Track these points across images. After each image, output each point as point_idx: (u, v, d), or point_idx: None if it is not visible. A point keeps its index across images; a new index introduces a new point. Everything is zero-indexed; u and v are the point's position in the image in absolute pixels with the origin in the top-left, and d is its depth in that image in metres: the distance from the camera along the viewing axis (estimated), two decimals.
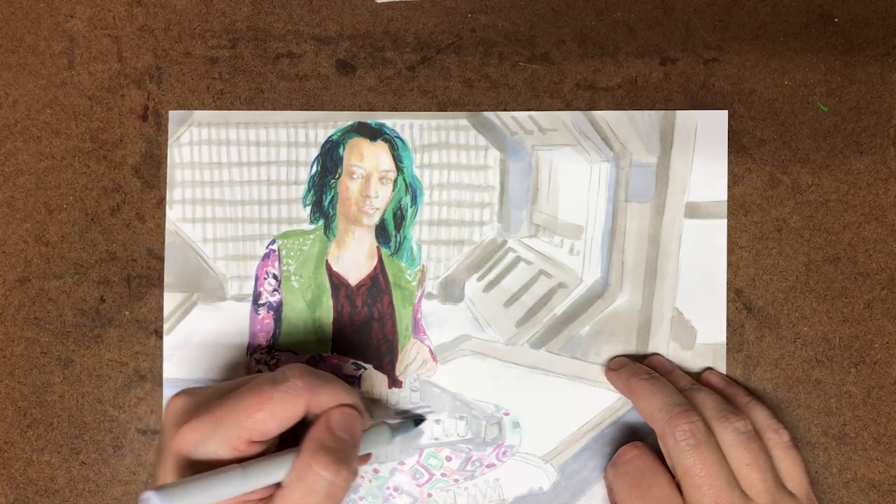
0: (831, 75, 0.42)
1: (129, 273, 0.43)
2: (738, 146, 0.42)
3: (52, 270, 0.43)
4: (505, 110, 0.43)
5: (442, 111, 0.43)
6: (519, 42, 0.43)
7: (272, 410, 0.32)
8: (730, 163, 0.42)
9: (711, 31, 0.42)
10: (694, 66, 0.42)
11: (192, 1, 0.43)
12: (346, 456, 0.33)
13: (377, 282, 0.42)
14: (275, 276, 0.43)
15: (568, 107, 0.42)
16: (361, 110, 0.43)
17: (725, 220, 0.42)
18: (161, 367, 0.42)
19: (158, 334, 0.42)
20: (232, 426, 0.32)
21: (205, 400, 0.34)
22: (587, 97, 0.42)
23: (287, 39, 0.43)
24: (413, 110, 0.43)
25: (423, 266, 0.42)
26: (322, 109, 0.43)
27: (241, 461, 0.32)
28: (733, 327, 0.42)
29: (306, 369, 0.34)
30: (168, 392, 0.42)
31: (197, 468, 0.32)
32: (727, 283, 0.42)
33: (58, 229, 0.43)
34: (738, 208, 0.42)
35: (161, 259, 0.43)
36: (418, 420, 0.41)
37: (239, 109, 0.43)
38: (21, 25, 0.43)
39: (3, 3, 0.44)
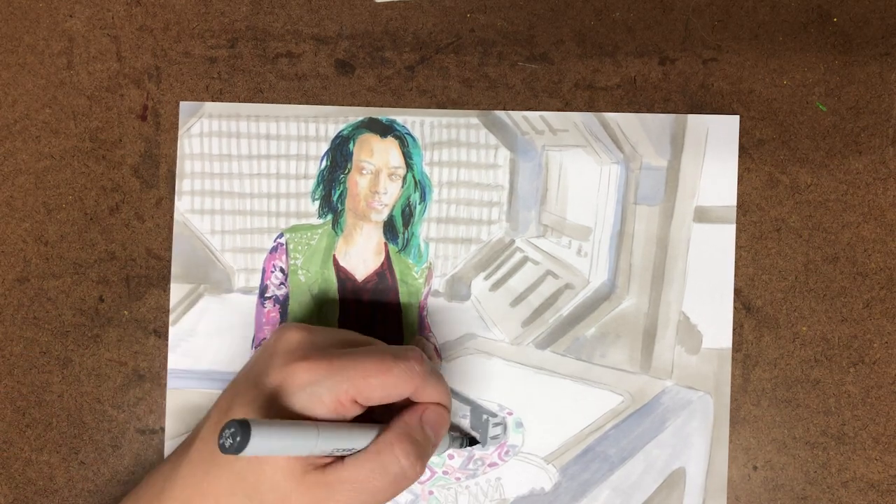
0: (830, 75, 0.42)
1: (128, 273, 0.43)
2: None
3: (51, 270, 0.43)
4: (504, 110, 0.43)
5: (441, 110, 0.43)
6: (518, 42, 0.43)
7: (386, 382, 0.32)
8: None
9: (710, 30, 0.43)
10: (693, 65, 0.42)
11: (191, 1, 0.43)
12: (426, 453, 0.33)
13: (384, 278, 0.42)
14: (282, 270, 0.43)
15: (567, 107, 0.42)
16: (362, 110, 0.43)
17: (734, 226, 0.42)
18: (160, 367, 0.42)
19: (158, 334, 0.42)
20: (345, 380, 0.32)
21: (321, 342, 0.34)
22: (586, 97, 0.43)
23: (286, 39, 0.43)
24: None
25: (431, 263, 0.42)
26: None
27: (330, 421, 0.32)
28: (732, 327, 0.42)
29: (425, 358, 0.34)
30: (171, 386, 0.42)
31: (279, 412, 0.32)
32: None
33: (57, 229, 0.43)
34: (737, 208, 0.42)
35: (160, 258, 0.43)
36: (473, 441, 0.42)
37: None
38: (20, 25, 0.43)
39: (2, 2, 0.44)
